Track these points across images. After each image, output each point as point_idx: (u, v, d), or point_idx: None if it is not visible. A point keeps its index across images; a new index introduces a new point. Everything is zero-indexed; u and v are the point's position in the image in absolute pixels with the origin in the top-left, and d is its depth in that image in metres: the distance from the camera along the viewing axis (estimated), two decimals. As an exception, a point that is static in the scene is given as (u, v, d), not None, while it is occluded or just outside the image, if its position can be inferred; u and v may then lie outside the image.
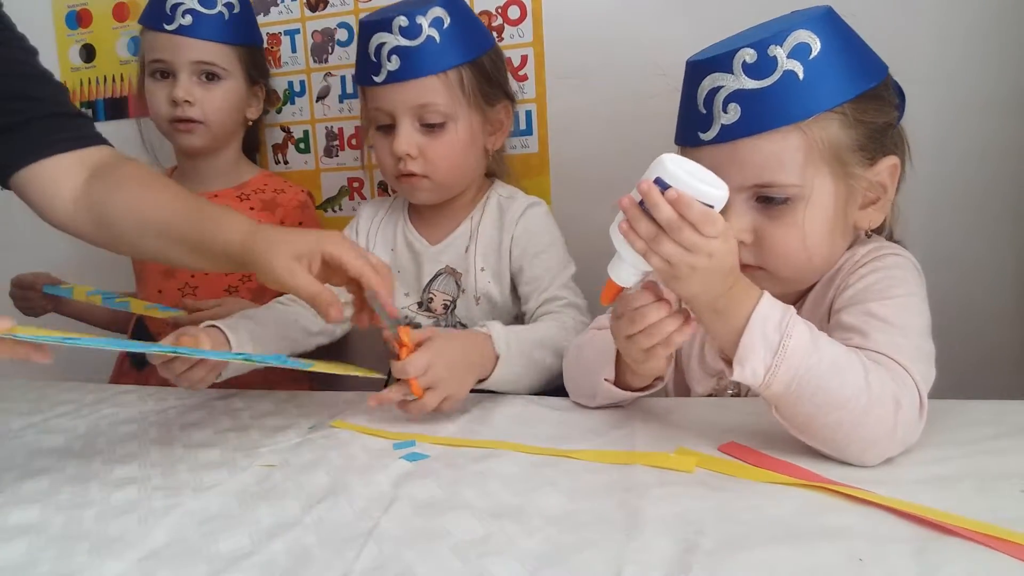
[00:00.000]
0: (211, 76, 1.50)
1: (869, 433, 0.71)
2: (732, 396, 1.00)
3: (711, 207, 0.70)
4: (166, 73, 1.49)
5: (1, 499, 0.77)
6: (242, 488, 0.77)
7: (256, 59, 1.59)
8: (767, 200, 0.85)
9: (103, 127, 1.77)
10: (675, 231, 0.70)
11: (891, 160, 0.88)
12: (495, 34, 1.52)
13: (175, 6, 1.47)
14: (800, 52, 0.81)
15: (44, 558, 0.65)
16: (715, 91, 0.84)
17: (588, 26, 1.49)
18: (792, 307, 0.75)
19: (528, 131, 1.55)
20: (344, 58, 1.65)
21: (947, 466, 0.71)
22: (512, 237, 1.27)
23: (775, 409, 0.75)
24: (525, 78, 1.54)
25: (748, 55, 0.82)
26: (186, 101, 1.47)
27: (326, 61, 1.67)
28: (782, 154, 0.83)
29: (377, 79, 1.21)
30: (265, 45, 1.69)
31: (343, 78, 1.67)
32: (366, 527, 0.66)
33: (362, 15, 1.38)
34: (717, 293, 0.73)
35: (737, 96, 0.83)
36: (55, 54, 1.88)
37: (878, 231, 0.95)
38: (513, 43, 1.53)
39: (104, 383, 1.30)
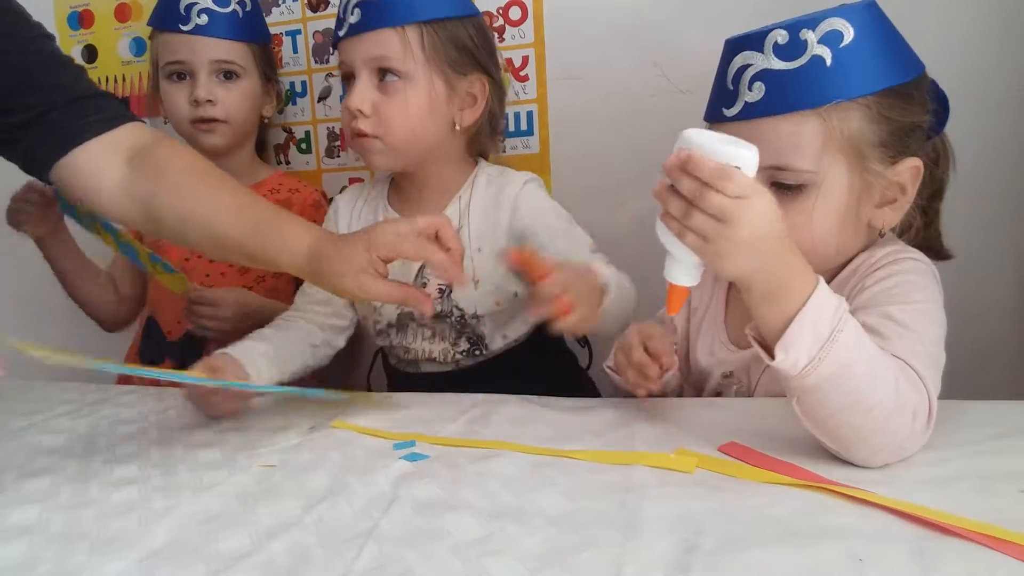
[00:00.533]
0: (229, 75, 1.50)
1: (885, 440, 0.71)
2: (737, 390, 1.00)
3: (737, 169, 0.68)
4: (183, 74, 1.49)
5: (1, 499, 0.78)
6: (242, 488, 0.77)
7: (268, 57, 1.59)
8: (780, 186, 0.84)
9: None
10: (700, 199, 0.67)
11: (914, 162, 0.87)
12: (496, 35, 1.52)
13: (190, 6, 1.46)
14: (831, 39, 0.81)
15: (44, 558, 0.65)
16: (744, 69, 0.85)
17: (589, 27, 1.49)
18: (845, 299, 0.73)
19: (529, 131, 1.55)
20: (345, 58, 1.66)
21: (947, 466, 0.71)
22: (512, 214, 1.22)
23: (796, 400, 0.73)
24: (526, 78, 1.54)
25: (780, 36, 0.82)
26: (208, 101, 1.47)
27: (327, 62, 1.67)
28: (799, 138, 0.82)
29: (341, 33, 1.20)
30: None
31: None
32: (366, 527, 0.66)
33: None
34: (771, 270, 0.70)
35: (763, 75, 0.83)
36: (56, 55, 1.88)
37: (907, 236, 0.94)
38: (514, 43, 1.54)
39: (106, 383, 1.30)
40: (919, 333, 0.79)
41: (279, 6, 1.69)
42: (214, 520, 0.70)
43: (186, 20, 1.47)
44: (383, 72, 1.17)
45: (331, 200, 1.71)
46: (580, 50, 1.50)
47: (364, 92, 1.17)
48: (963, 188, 1.02)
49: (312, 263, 0.96)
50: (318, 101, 1.70)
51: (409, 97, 1.17)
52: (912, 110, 0.86)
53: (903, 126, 0.85)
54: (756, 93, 0.84)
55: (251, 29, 1.53)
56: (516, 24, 1.53)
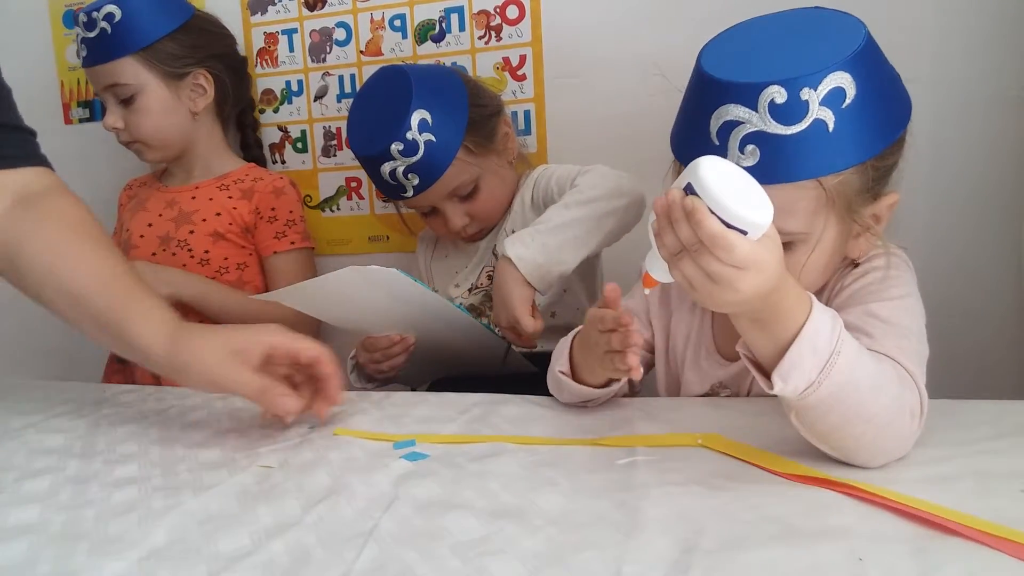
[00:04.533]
0: (127, 95, 1.49)
1: (886, 443, 0.71)
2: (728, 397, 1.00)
3: (744, 232, 0.62)
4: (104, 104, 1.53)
5: (1, 499, 0.77)
6: (242, 488, 0.77)
7: (172, 51, 1.52)
8: None
9: (100, 127, 1.77)
10: (696, 254, 0.63)
11: (893, 198, 0.85)
12: (493, 34, 1.53)
13: (78, 42, 1.50)
14: (834, 99, 0.73)
15: (44, 558, 0.65)
16: (733, 124, 0.75)
17: (587, 26, 1.49)
18: (839, 315, 0.69)
19: (527, 131, 1.55)
20: (342, 58, 1.65)
21: (947, 466, 0.71)
22: (532, 190, 1.36)
23: (794, 415, 0.71)
24: (524, 78, 1.54)
25: (778, 94, 0.73)
26: (115, 128, 1.50)
27: (324, 61, 1.67)
28: (795, 204, 0.78)
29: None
30: (262, 45, 1.69)
31: (341, 78, 1.67)
32: (366, 527, 0.66)
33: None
34: (756, 308, 0.66)
35: (759, 139, 0.74)
36: (52, 53, 1.88)
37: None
38: (512, 43, 1.53)
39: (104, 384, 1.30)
40: (904, 329, 0.78)
41: (275, 5, 1.68)
42: (214, 520, 0.70)
43: (79, 57, 1.52)
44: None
45: (318, 203, 1.72)
46: (578, 49, 1.50)
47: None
48: (963, 188, 1.02)
49: (173, 342, 0.92)
50: (314, 100, 1.70)
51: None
52: (898, 152, 0.83)
53: (888, 167, 0.82)
54: (750, 158, 0.75)
55: (127, 40, 1.48)
56: (514, 23, 1.53)
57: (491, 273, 1.37)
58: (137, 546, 0.65)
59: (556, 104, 1.54)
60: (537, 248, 1.13)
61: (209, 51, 1.57)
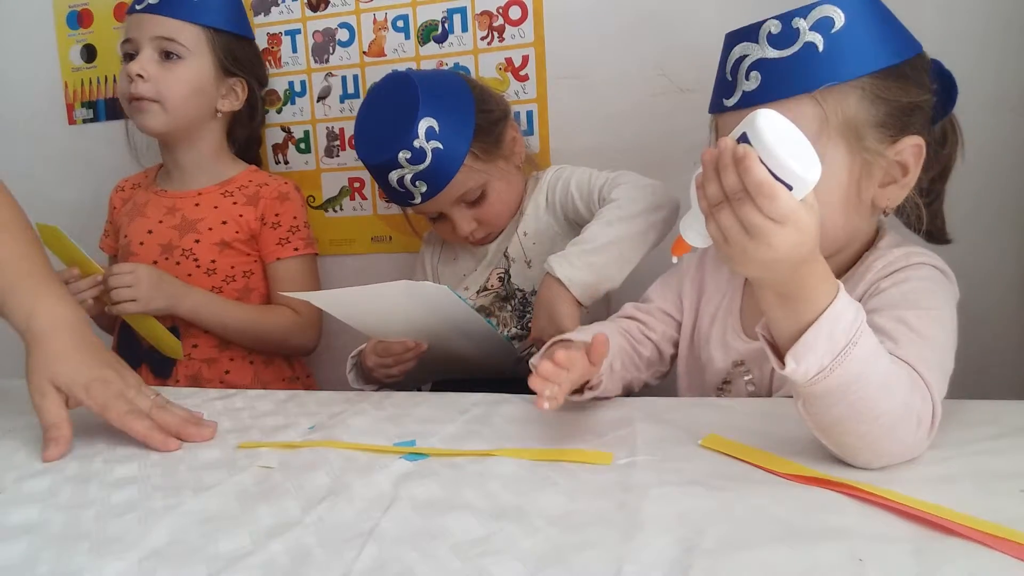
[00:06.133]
0: (171, 54, 1.47)
1: (888, 446, 0.71)
2: (749, 381, 1.00)
3: (789, 187, 0.63)
4: (132, 54, 1.48)
5: (1, 499, 0.77)
6: (242, 488, 0.77)
7: (233, 49, 1.54)
8: None
9: (104, 128, 1.79)
10: (737, 204, 0.64)
11: (914, 140, 0.88)
12: (496, 34, 1.53)
13: None
14: (823, 25, 0.83)
15: (44, 558, 0.64)
16: (741, 59, 0.88)
17: (589, 26, 1.49)
18: (863, 308, 0.70)
19: (529, 131, 1.55)
20: (345, 58, 1.66)
21: (947, 466, 0.71)
22: (546, 193, 1.38)
23: (802, 403, 0.72)
24: (526, 78, 1.54)
25: (774, 26, 0.85)
26: (139, 75, 1.44)
27: (327, 61, 1.67)
28: (796, 123, 0.79)
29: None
30: (265, 45, 1.69)
31: (344, 78, 1.67)
32: (366, 527, 0.66)
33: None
34: (784, 279, 0.67)
35: (759, 64, 0.86)
36: (56, 54, 1.88)
37: (905, 217, 0.96)
38: (514, 43, 1.54)
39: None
40: (931, 340, 0.78)
41: (278, 5, 1.69)
42: (214, 520, 0.70)
43: (141, 1, 1.48)
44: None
45: (321, 204, 1.72)
46: (580, 49, 1.51)
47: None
48: (964, 187, 1.02)
49: (29, 334, 0.94)
50: (317, 101, 1.70)
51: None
52: (909, 90, 0.87)
53: (901, 106, 0.86)
54: (753, 82, 0.86)
55: (209, 13, 1.50)
56: (516, 24, 1.53)
57: (501, 275, 1.38)
58: (137, 546, 0.65)
59: (558, 104, 1.54)
60: (585, 268, 1.15)
61: (256, 73, 1.62)
